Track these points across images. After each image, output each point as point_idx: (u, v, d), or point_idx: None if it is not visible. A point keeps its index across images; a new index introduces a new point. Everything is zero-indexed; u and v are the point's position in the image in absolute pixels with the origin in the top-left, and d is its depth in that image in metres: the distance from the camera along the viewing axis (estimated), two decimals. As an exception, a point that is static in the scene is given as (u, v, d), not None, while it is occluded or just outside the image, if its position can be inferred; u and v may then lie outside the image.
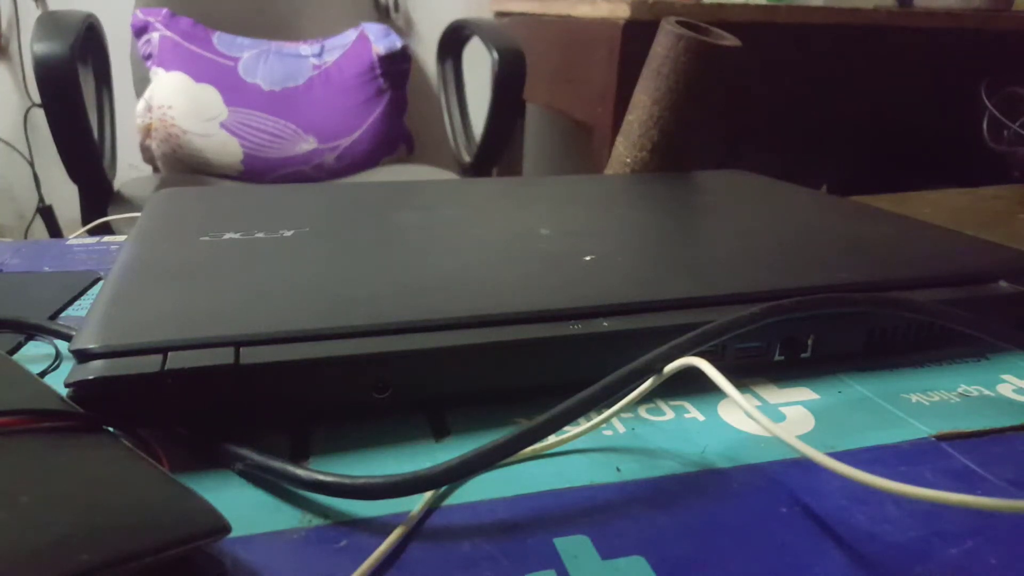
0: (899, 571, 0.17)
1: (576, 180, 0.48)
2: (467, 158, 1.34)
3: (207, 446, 0.21)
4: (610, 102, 1.12)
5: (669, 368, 0.22)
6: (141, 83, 1.33)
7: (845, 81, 1.26)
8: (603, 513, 0.19)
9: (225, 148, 1.28)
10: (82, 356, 0.21)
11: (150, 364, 0.21)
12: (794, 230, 0.36)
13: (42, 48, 0.83)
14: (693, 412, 0.24)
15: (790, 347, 0.27)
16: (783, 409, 0.25)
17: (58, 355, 0.28)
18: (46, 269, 0.40)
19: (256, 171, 1.30)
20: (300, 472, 0.19)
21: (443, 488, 0.20)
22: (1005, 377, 0.27)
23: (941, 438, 0.23)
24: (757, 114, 1.19)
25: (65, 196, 1.54)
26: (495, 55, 1.03)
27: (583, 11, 1.22)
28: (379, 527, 0.19)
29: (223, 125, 1.27)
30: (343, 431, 0.23)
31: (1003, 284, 0.29)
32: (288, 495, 0.20)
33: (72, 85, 0.84)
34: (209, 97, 1.27)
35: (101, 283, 0.37)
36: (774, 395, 0.26)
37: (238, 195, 0.45)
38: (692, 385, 0.23)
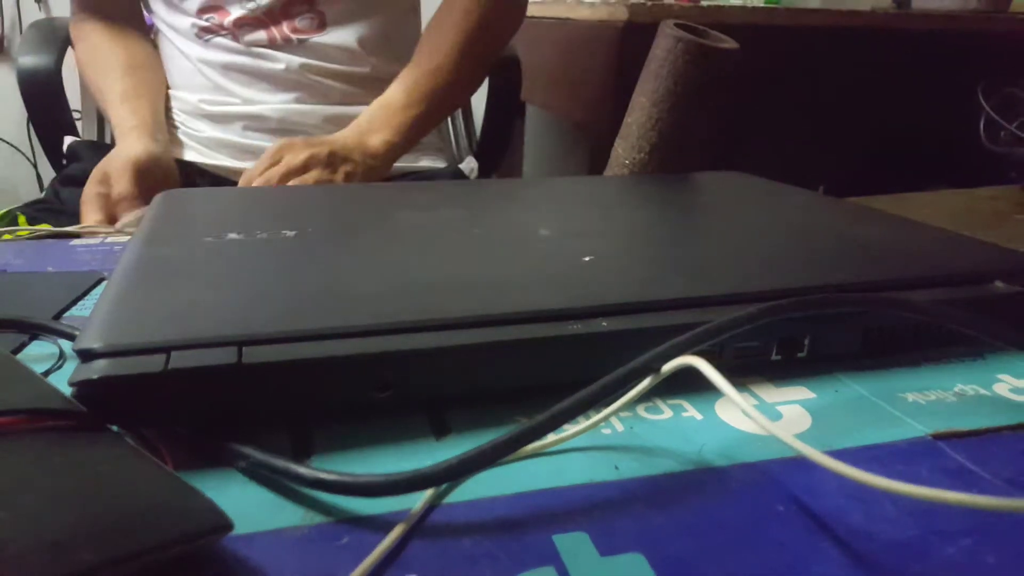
0: (896, 570, 0.17)
1: (576, 181, 0.49)
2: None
3: (210, 445, 0.21)
4: (609, 104, 1.12)
5: (667, 367, 0.22)
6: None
7: (843, 83, 1.26)
8: (602, 511, 0.19)
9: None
10: (86, 356, 0.21)
11: (153, 364, 0.21)
12: (792, 230, 0.36)
13: (25, 62, 0.84)
14: (691, 411, 0.25)
15: (787, 346, 0.27)
16: (780, 408, 0.25)
17: (62, 355, 0.28)
18: (50, 269, 0.40)
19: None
20: (302, 470, 0.19)
21: (444, 486, 0.20)
22: (1001, 376, 0.27)
23: (938, 437, 0.23)
24: (755, 115, 1.19)
25: (66, 197, 1.54)
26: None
27: (582, 14, 1.22)
28: (380, 524, 0.19)
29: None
30: (345, 430, 0.23)
31: (999, 284, 0.29)
32: (290, 493, 0.20)
33: (55, 96, 0.84)
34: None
35: (104, 283, 0.37)
36: (771, 394, 0.26)
37: (240, 196, 0.45)
38: (690, 384, 0.23)
